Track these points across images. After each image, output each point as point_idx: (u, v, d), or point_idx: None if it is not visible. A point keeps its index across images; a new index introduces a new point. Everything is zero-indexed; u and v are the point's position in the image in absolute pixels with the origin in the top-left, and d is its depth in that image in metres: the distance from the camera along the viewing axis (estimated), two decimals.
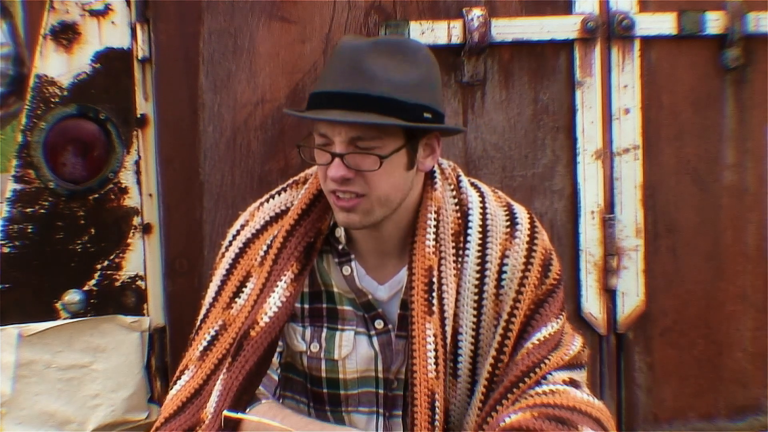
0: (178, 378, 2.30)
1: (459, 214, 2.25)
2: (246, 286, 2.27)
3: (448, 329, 2.19)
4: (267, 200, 2.33)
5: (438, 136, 2.21)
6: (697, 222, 2.90)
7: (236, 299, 2.28)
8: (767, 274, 2.93)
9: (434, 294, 2.18)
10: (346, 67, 2.10)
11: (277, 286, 2.21)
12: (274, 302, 2.20)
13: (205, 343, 2.28)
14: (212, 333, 2.27)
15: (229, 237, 2.34)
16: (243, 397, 2.18)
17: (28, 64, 3.15)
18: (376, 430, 2.29)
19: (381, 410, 2.29)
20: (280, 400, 2.32)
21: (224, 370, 2.21)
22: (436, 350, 2.17)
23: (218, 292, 2.31)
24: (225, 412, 2.13)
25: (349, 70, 2.09)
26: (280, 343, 2.28)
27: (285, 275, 2.21)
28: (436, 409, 2.16)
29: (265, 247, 2.26)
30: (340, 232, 2.24)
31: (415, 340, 2.16)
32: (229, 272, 2.30)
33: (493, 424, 2.13)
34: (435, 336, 2.17)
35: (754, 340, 2.94)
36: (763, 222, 2.92)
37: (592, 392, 2.23)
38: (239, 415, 2.12)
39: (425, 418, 2.15)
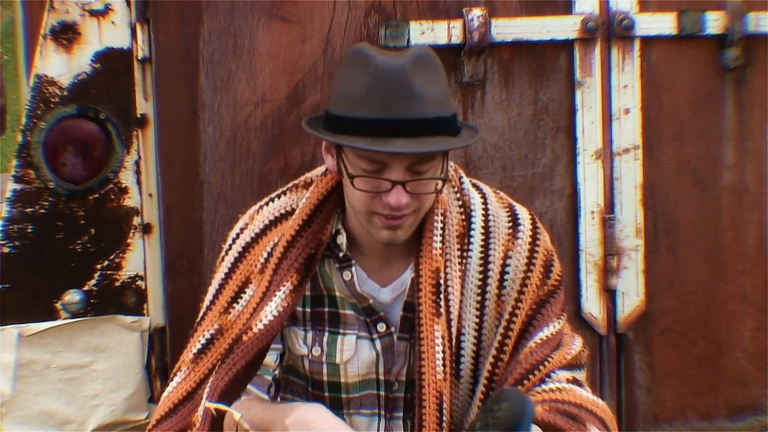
0: (172, 379, 2.30)
1: (463, 216, 2.25)
2: (245, 292, 2.27)
3: (453, 331, 2.20)
4: (266, 203, 2.32)
5: None
6: (697, 222, 2.90)
7: (234, 304, 2.27)
8: (767, 274, 2.93)
9: (441, 296, 2.18)
10: (393, 90, 2.04)
11: (276, 295, 2.21)
12: (270, 311, 2.20)
13: (199, 346, 2.28)
14: (207, 336, 2.27)
15: (229, 241, 2.33)
16: (226, 397, 2.18)
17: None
18: (378, 431, 2.29)
19: (382, 412, 2.29)
20: (278, 401, 2.32)
21: (213, 373, 2.21)
22: (443, 352, 2.17)
23: (216, 296, 2.30)
24: (206, 403, 2.14)
25: (398, 93, 2.03)
26: (280, 346, 2.28)
27: (284, 285, 2.21)
28: (444, 410, 2.17)
29: (265, 254, 2.26)
30: (342, 239, 2.23)
31: (423, 342, 2.17)
32: (227, 276, 2.30)
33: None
34: (442, 338, 2.17)
35: (754, 340, 2.94)
36: (763, 222, 2.92)
37: (593, 392, 2.24)
38: (217, 406, 2.12)
39: (433, 420, 2.16)
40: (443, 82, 2.12)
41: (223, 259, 2.32)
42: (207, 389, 2.20)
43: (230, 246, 2.32)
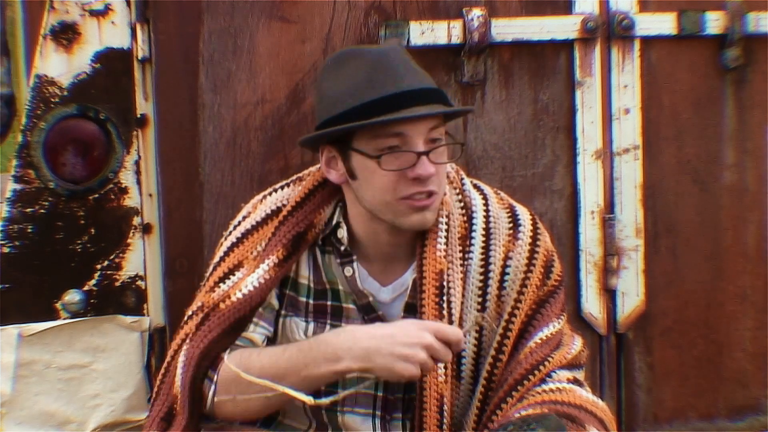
0: None
1: (465, 218, 2.26)
2: (234, 274, 2.27)
3: None
4: (270, 193, 2.33)
5: None
6: (697, 222, 2.90)
7: (221, 284, 2.27)
8: (767, 274, 2.93)
9: (444, 298, 2.18)
10: (396, 67, 2.12)
11: (259, 267, 2.21)
12: (251, 281, 2.20)
13: (182, 324, 2.29)
14: (189, 314, 2.28)
15: (231, 228, 2.35)
16: (202, 363, 2.18)
17: (16, 105, 3.18)
18: (374, 431, 2.29)
19: (378, 412, 2.29)
20: None
21: (187, 341, 2.21)
22: None
23: (207, 279, 2.31)
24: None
25: (401, 69, 2.12)
26: (271, 328, 2.28)
27: (269, 258, 2.21)
28: (444, 412, 2.18)
29: (263, 243, 2.27)
30: (343, 233, 2.24)
31: None
32: (222, 259, 2.31)
33: (501, 421, 2.14)
34: None
35: (754, 340, 2.94)
36: (763, 222, 2.92)
37: (593, 392, 2.24)
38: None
39: (434, 422, 2.17)
40: None
41: (221, 244, 2.34)
42: (182, 359, 2.20)
43: (230, 232, 2.34)
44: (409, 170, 2.11)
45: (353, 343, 2.05)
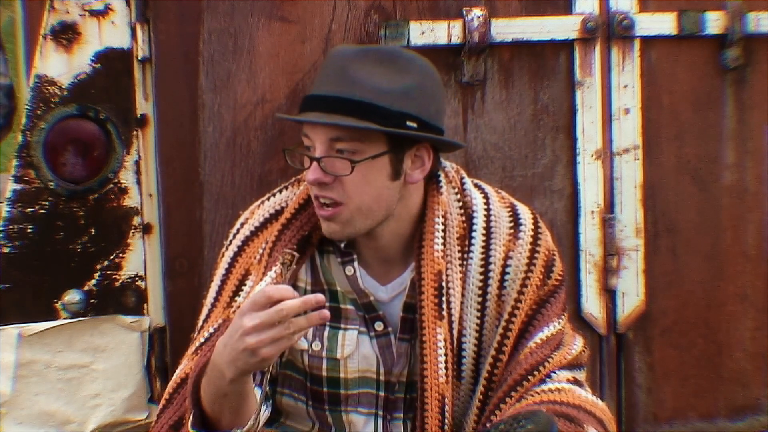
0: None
1: (464, 218, 2.25)
2: (245, 284, 2.27)
3: (455, 333, 2.20)
4: (268, 198, 2.33)
5: (429, 149, 2.18)
6: (697, 222, 2.90)
7: (236, 298, 2.27)
8: (767, 274, 2.93)
9: (443, 299, 2.18)
10: (331, 71, 2.12)
11: (266, 275, 2.21)
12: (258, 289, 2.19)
13: (202, 339, 2.28)
14: (210, 331, 2.27)
15: (230, 236, 2.34)
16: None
17: (18, 96, 3.17)
18: (375, 431, 2.29)
19: (380, 412, 2.29)
20: (267, 402, 2.31)
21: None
22: (445, 354, 2.17)
23: (219, 292, 2.31)
24: None
25: (334, 74, 2.11)
26: None
27: (276, 265, 2.21)
28: (446, 412, 2.17)
29: (264, 245, 2.27)
30: None
31: (425, 345, 2.17)
32: (228, 271, 2.30)
33: (495, 421, 2.14)
34: (444, 340, 2.17)
35: (754, 340, 2.94)
36: (763, 222, 2.92)
37: (594, 392, 2.24)
38: None
39: (436, 423, 2.17)
40: (407, 82, 2.11)
41: (223, 255, 2.33)
42: (192, 365, 2.19)
43: (230, 241, 2.33)
44: (305, 172, 2.15)
45: (219, 357, 2.01)
